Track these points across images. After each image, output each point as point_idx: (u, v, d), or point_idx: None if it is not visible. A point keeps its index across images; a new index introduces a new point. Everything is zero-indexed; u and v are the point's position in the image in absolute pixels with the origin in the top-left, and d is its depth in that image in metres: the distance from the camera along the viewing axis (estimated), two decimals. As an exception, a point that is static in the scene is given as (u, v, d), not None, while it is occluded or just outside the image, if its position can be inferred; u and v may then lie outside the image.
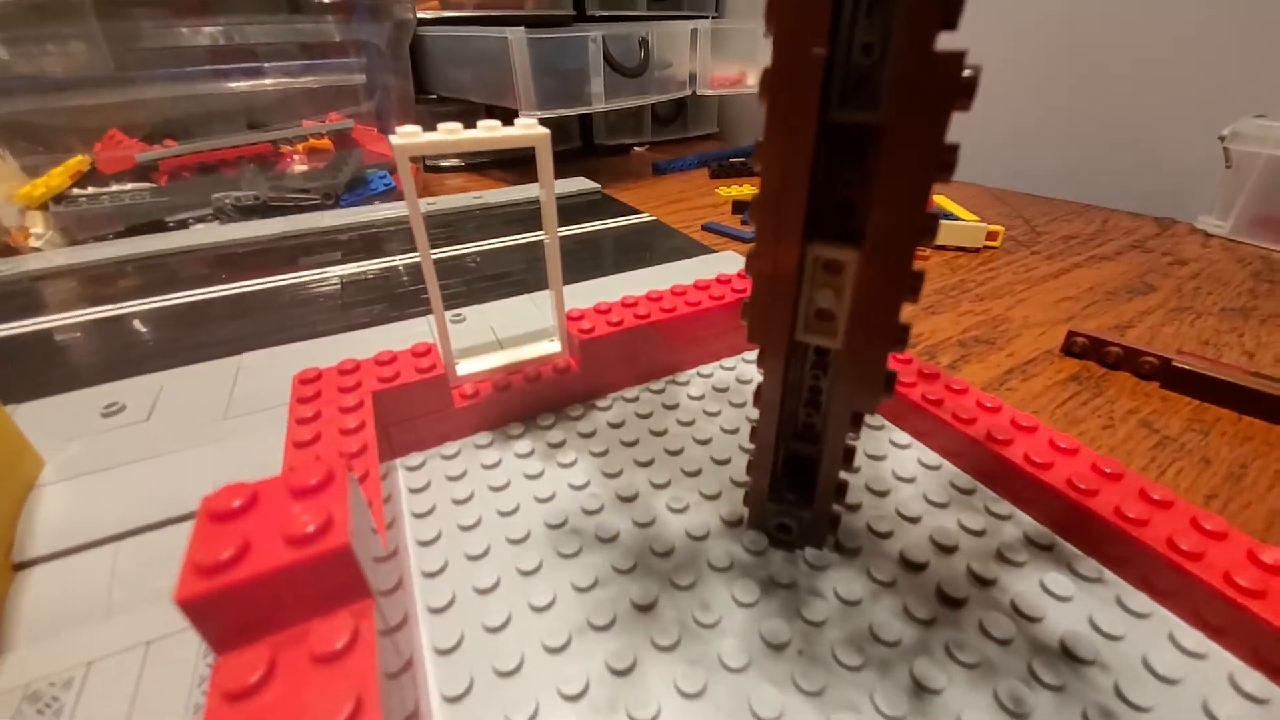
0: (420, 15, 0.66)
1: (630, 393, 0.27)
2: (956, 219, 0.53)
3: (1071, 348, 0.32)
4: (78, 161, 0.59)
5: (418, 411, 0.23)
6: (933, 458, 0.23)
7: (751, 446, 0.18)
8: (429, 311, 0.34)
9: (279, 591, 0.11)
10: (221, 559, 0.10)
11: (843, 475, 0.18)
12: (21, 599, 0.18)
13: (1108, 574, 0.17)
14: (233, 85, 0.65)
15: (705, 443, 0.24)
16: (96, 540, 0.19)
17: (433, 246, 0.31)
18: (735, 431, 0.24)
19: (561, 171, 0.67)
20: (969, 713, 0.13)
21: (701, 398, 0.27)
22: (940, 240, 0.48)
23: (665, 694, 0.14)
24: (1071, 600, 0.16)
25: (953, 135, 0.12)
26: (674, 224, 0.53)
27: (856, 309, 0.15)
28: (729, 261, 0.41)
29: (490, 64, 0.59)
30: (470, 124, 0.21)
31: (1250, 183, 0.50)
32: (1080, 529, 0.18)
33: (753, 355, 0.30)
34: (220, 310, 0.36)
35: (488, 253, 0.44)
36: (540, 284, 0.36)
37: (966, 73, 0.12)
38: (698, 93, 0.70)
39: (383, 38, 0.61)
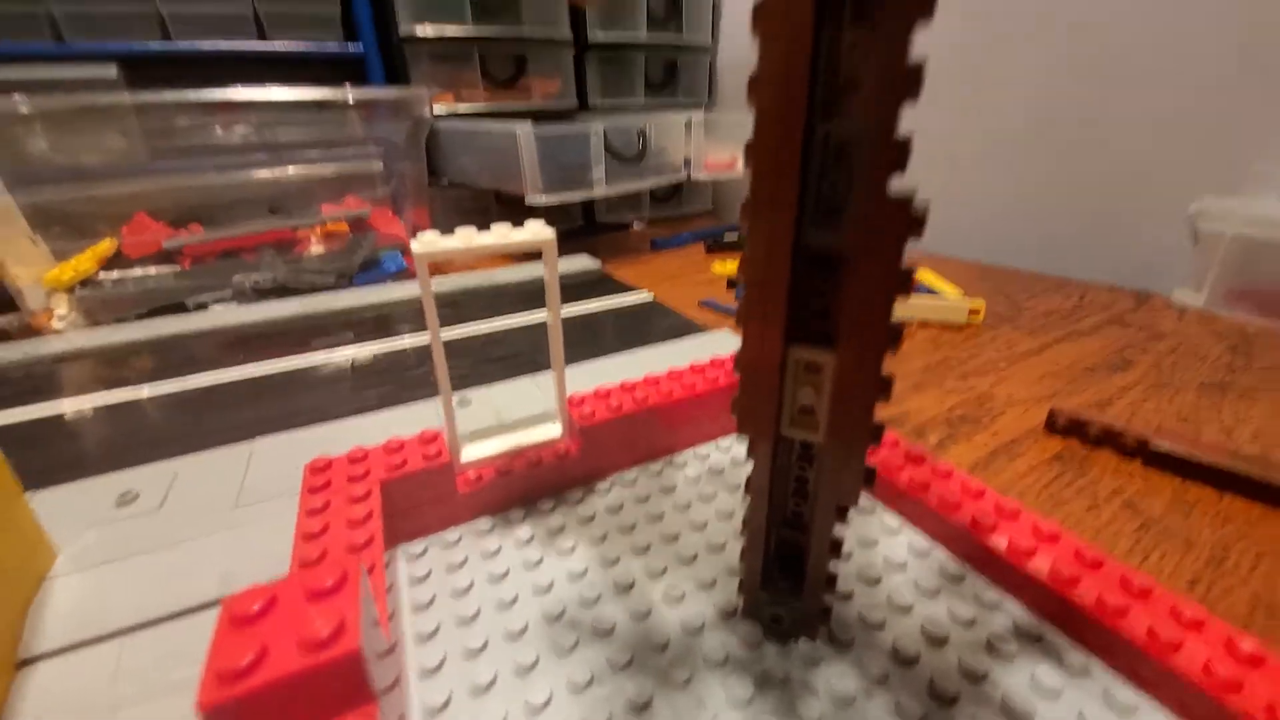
0: (437, 111, 0.71)
1: (629, 475, 0.28)
2: (940, 294, 0.55)
3: (1054, 425, 0.33)
4: (106, 246, 0.63)
5: (423, 499, 0.24)
6: (923, 542, 0.23)
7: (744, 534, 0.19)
8: (437, 394, 0.36)
9: (293, 695, 0.11)
10: (241, 665, 0.11)
11: (832, 566, 0.18)
12: (24, 697, 0.18)
13: (1095, 665, 0.17)
14: (257, 174, 0.70)
15: (701, 528, 0.24)
16: (104, 634, 0.19)
17: (441, 325, 0.33)
18: (730, 516, 0.25)
19: (565, 249, 0.71)
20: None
21: (698, 480, 0.28)
22: (925, 316, 0.50)
23: (661, 797, 0.14)
24: (1061, 695, 0.16)
25: (937, 213, 0.14)
26: (672, 301, 0.55)
27: (835, 407, 0.16)
28: (723, 341, 0.43)
29: (500, 154, 0.64)
30: (483, 221, 0.23)
31: (1219, 258, 0.52)
32: (1066, 618, 0.18)
33: (747, 436, 0.31)
34: (235, 394, 0.37)
35: (494, 333, 0.46)
36: (544, 363, 0.38)
37: (917, 209, 0.14)
38: (692, 176, 0.75)
39: (402, 133, 0.66)
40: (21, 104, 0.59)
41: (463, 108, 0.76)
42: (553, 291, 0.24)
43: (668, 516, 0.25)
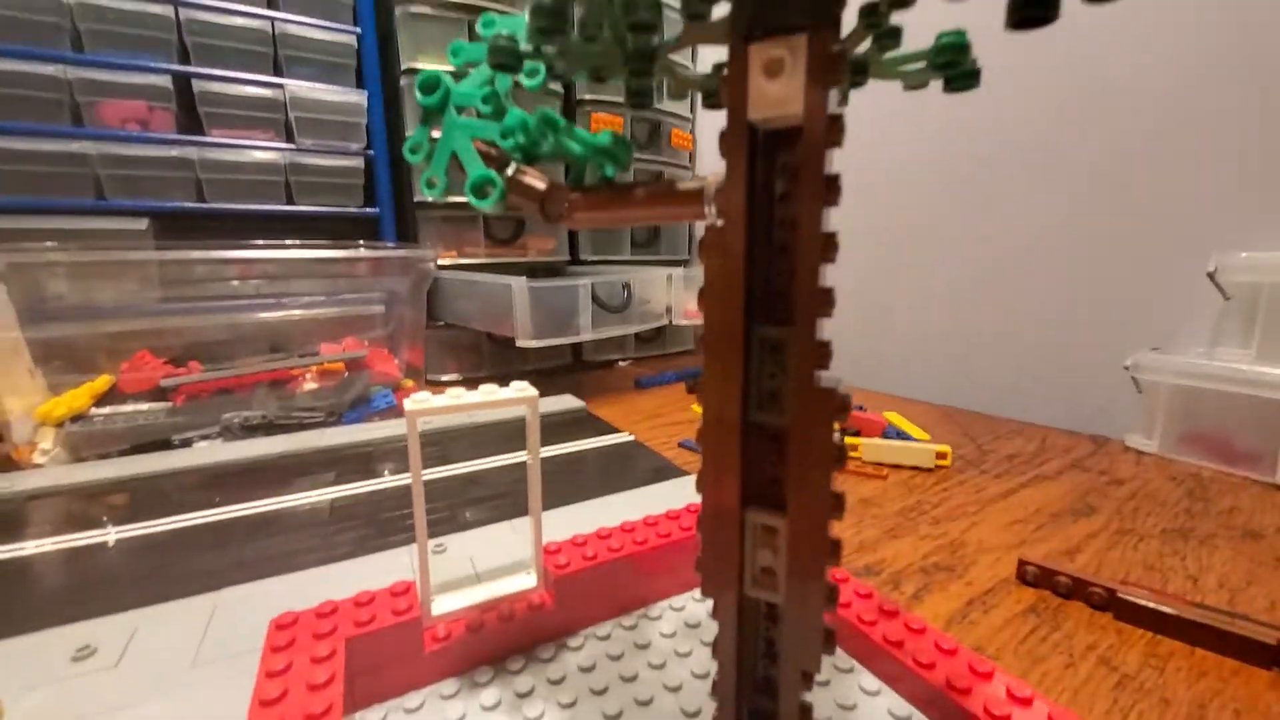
0: (440, 263, 0.78)
1: (603, 629, 0.28)
2: (910, 437, 0.58)
3: (1025, 576, 0.33)
4: (103, 382, 0.64)
5: (388, 657, 0.24)
6: (902, 706, 0.23)
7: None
8: (413, 540, 0.35)
9: None
10: None
11: (802, 736, 0.18)
12: None
13: None
14: (262, 315, 0.74)
15: (675, 690, 0.24)
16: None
17: (423, 467, 0.34)
18: (705, 676, 0.24)
19: (550, 388, 0.74)
20: None
21: (673, 635, 0.27)
22: (896, 460, 0.52)
23: None
24: None
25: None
26: (653, 441, 0.57)
27: (792, 568, 0.17)
28: (701, 483, 0.44)
29: (495, 302, 0.69)
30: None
31: (1163, 406, 0.56)
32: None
33: (722, 586, 0.31)
34: (209, 536, 0.37)
35: (475, 473, 0.47)
36: (522, 506, 0.38)
37: (841, 396, 0.16)
38: (673, 323, 0.81)
39: (406, 284, 0.72)
40: (53, 253, 0.63)
41: (464, 261, 0.83)
42: (533, 446, 0.26)
43: (641, 676, 0.24)
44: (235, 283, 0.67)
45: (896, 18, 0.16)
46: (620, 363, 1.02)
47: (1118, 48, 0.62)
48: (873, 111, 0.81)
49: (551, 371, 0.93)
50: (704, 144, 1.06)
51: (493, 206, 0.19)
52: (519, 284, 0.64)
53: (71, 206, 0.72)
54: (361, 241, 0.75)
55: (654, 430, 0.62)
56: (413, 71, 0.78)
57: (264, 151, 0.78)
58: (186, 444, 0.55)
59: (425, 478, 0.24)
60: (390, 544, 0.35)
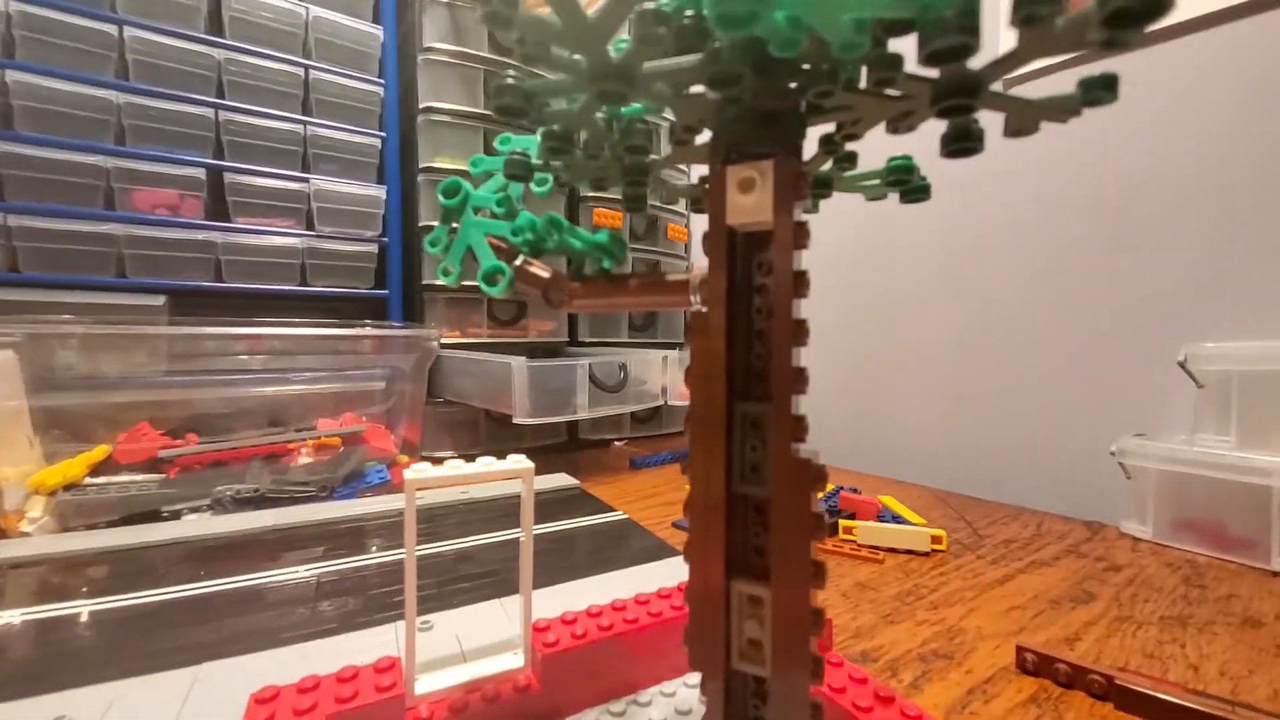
0: (443, 342, 0.81)
1: (589, 715, 0.27)
2: (905, 521, 0.57)
3: (1024, 664, 0.33)
4: (99, 452, 0.64)
5: (370, 739, 0.23)
6: (897, 800, 0.22)
7: (699, 786, 0.18)
8: (399, 616, 0.35)
9: None
10: None
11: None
12: None
13: None
14: (263, 389, 0.75)
15: (663, 781, 0.23)
16: None
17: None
18: (694, 765, 0.24)
19: (546, 466, 0.74)
20: None
21: (662, 722, 0.27)
22: (891, 543, 0.51)
23: None
24: None
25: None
26: (646, 520, 0.56)
27: (777, 636, 0.18)
28: (694, 563, 0.44)
29: (495, 380, 0.71)
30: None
31: (1152, 492, 0.57)
32: None
33: (714, 670, 0.30)
34: (192, 610, 0.36)
35: (466, 550, 0.46)
36: (513, 584, 0.38)
37: (817, 467, 0.17)
38: (668, 403, 0.82)
39: (409, 362, 0.74)
40: (69, 325, 0.66)
41: (467, 340, 0.86)
42: (527, 520, 0.26)
43: (628, 767, 0.24)
44: (243, 357, 0.69)
45: (852, 145, 0.19)
46: (616, 442, 1.02)
47: (1096, 147, 0.68)
48: (869, 214, 0.87)
49: (547, 450, 0.94)
50: (697, 237, 1.13)
51: (501, 292, 0.21)
52: (518, 363, 0.66)
53: (93, 283, 0.76)
54: (368, 321, 0.78)
55: (648, 510, 0.61)
56: (430, 169, 0.85)
57: (284, 237, 0.83)
58: (176, 516, 0.55)
59: (417, 552, 0.24)
60: (376, 621, 0.34)
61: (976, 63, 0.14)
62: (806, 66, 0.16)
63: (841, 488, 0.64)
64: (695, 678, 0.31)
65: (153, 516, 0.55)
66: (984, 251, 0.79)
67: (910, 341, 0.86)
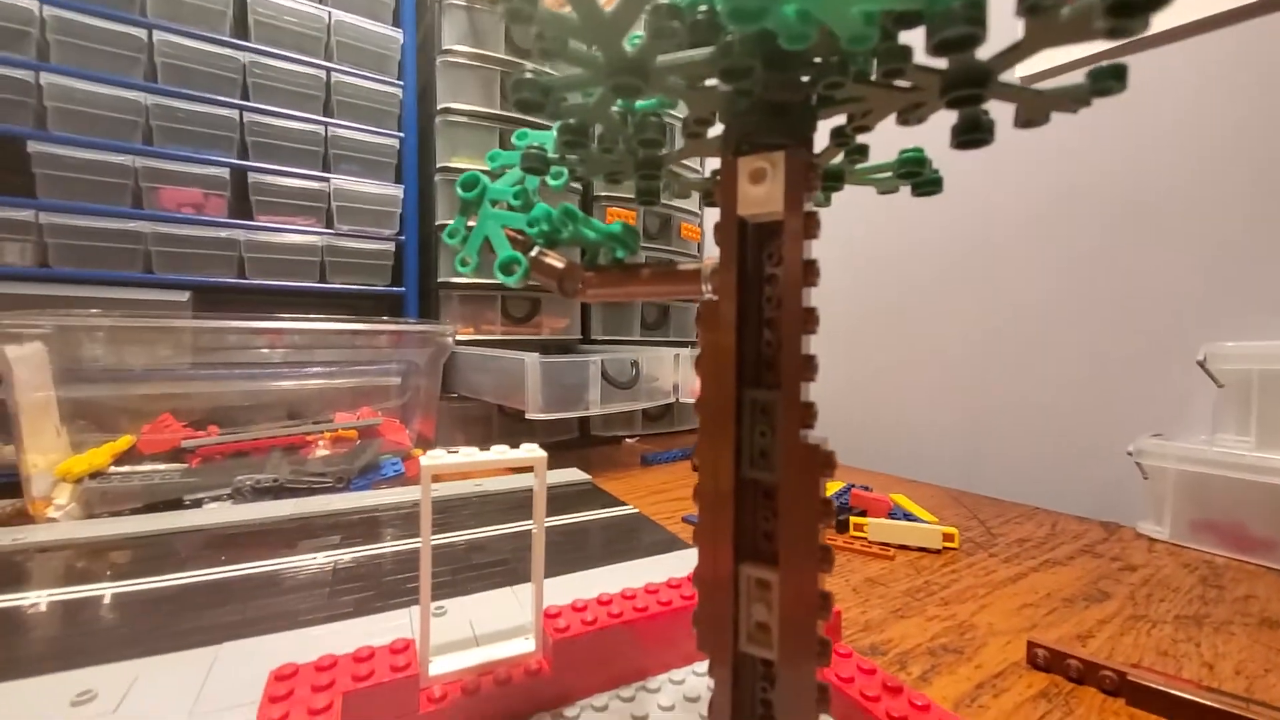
0: (458, 338, 0.82)
1: (600, 700, 0.27)
2: (916, 519, 0.57)
3: (1034, 660, 0.33)
4: (124, 441, 0.66)
5: (383, 715, 0.24)
6: (903, 787, 0.22)
7: (707, 765, 0.19)
8: (413, 602, 0.36)
9: None
10: None
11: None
12: None
13: None
14: (283, 383, 0.77)
15: (671, 762, 0.23)
16: None
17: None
18: (703, 750, 0.24)
19: (558, 461, 0.75)
20: None
21: (671, 708, 0.27)
22: (902, 540, 0.51)
23: None
24: None
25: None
26: (657, 515, 0.57)
27: (784, 620, 0.18)
28: (704, 557, 0.44)
29: (508, 376, 0.72)
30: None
31: (1170, 493, 0.56)
32: None
33: (723, 660, 0.31)
34: (213, 594, 0.37)
35: (478, 540, 0.47)
36: (525, 573, 0.38)
37: (826, 453, 0.17)
38: (680, 400, 0.82)
39: (424, 357, 0.75)
40: (97, 319, 0.68)
41: (481, 337, 0.87)
42: (539, 507, 0.27)
43: (638, 750, 0.24)
44: (264, 351, 0.71)
45: (863, 138, 0.19)
46: (627, 439, 1.02)
47: (1115, 144, 0.68)
48: (885, 212, 0.87)
49: (559, 446, 0.94)
50: (710, 236, 1.13)
51: (517, 282, 0.22)
52: (531, 359, 0.67)
53: (121, 279, 0.78)
54: (385, 317, 0.79)
55: (659, 505, 0.62)
56: (447, 169, 0.86)
57: (304, 235, 0.85)
58: (197, 504, 0.56)
59: (432, 541, 0.25)
60: (390, 605, 0.35)
61: (985, 54, 0.14)
62: (817, 59, 0.16)
63: (853, 485, 0.64)
64: (704, 665, 0.31)
65: (175, 504, 0.56)
66: (999, 249, 0.78)
67: (924, 340, 0.86)
